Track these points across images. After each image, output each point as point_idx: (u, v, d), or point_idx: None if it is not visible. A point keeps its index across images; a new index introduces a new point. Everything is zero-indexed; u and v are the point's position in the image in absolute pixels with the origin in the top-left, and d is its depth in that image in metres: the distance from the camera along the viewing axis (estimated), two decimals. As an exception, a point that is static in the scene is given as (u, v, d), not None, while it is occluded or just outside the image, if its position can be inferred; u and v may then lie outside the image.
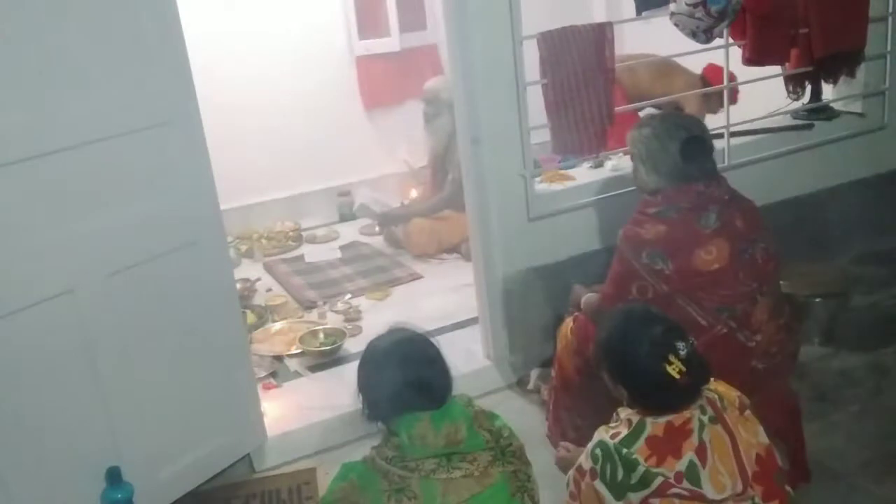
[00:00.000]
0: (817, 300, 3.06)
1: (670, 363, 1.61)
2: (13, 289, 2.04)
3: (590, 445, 1.69)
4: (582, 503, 1.69)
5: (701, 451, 1.60)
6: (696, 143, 2.24)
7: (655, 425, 1.63)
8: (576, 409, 2.45)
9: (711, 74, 3.65)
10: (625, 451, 1.61)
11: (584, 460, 1.69)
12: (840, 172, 3.56)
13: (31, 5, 2.00)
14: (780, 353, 2.21)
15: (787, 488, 1.69)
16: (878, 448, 2.49)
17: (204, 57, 3.09)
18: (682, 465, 1.59)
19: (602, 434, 1.68)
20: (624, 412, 1.70)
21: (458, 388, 1.69)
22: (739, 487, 1.60)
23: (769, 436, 1.72)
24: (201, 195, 2.42)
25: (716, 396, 1.68)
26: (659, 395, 1.65)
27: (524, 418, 2.73)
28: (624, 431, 1.65)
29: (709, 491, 1.58)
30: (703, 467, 1.59)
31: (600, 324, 1.88)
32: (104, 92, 2.16)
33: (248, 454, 2.71)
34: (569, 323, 2.49)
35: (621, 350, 1.72)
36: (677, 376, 1.61)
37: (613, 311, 1.91)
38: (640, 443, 1.61)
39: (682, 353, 1.62)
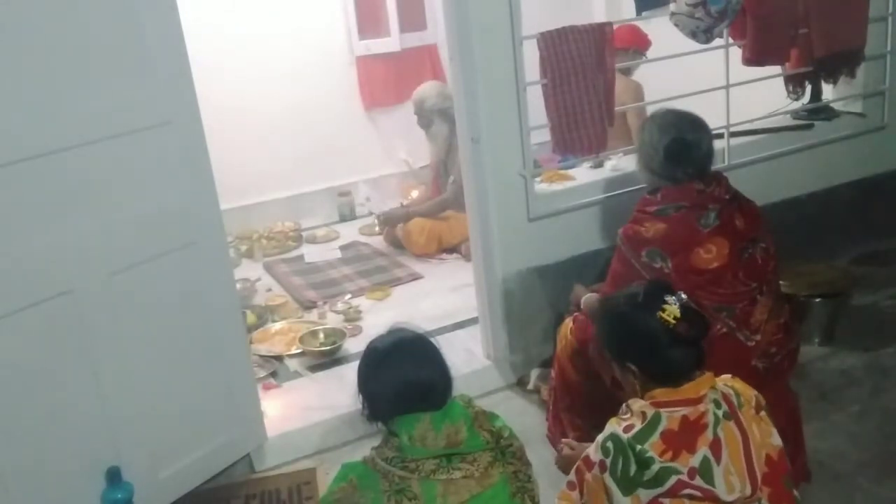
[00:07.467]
0: (817, 300, 3.06)
1: (664, 311, 1.63)
2: (13, 289, 2.05)
3: (600, 437, 1.65)
4: (585, 494, 1.67)
5: (715, 446, 1.58)
6: (682, 145, 2.24)
7: (671, 419, 1.60)
8: (576, 409, 2.46)
9: (621, 36, 3.45)
10: (639, 447, 1.58)
11: (594, 452, 1.65)
12: (840, 172, 3.56)
13: (31, 6, 2.00)
14: (779, 353, 2.22)
15: (795, 493, 1.68)
16: (878, 448, 2.49)
17: (204, 57, 3.09)
18: (696, 461, 1.57)
19: (614, 426, 1.64)
20: (637, 404, 1.66)
21: (458, 388, 1.69)
22: (748, 490, 1.57)
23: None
24: (201, 195, 2.42)
25: (732, 392, 1.66)
26: (665, 354, 1.64)
27: (524, 418, 2.73)
28: (638, 424, 1.61)
29: (721, 490, 1.56)
30: (718, 464, 1.57)
31: (595, 319, 1.88)
32: (104, 92, 2.16)
33: (248, 454, 2.71)
34: (569, 323, 2.49)
35: (618, 323, 1.74)
36: (672, 322, 1.62)
37: (603, 304, 1.92)
38: (655, 437, 1.59)
39: (673, 304, 1.64)
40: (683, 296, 1.68)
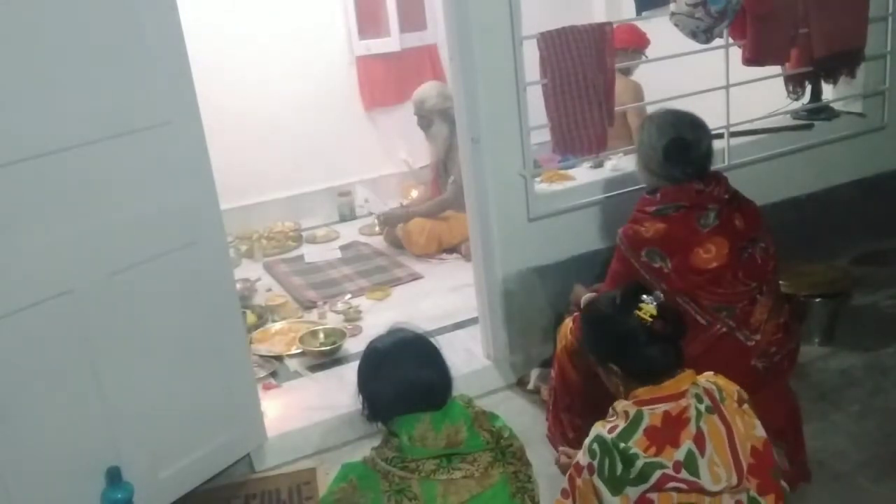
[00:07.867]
0: (817, 300, 3.06)
1: (640, 309, 1.67)
2: (13, 289, 2.05)
3: (587, 441, 1.68)
4: (578, 499, 1.68)
5: (699, 439, 1.60)
6: (681, 145, 2.24)
7: (654, 415, 1.63)
8: (575, 409, 2.45)
9: (620, 36, 3.34)
10: (622, 445, 1.60)
11: (582, 456, 1.67)
12: (840, 172, 3.56)
13: (31, 6, 2.00)
14: (779, 353, 2.22)
15: (783, 484, 1.69)
16: (878, 448, 2.49)
17: (204, 57, 3.09)
18: (680, 454, 1.59)
19: (599, 429, 1.67)
20: (620, 405, 1.69)
21: (458, 388, 1.69)
22: (734, 480, 1.59)
23: (768, 435, 1.71)
24: (201, 195, 2.42)
25: (714, 387, 1.69)
26: (643, 352, 1.68)
27: (524, 418, 2.73)
28: (622, 424, 1.64)
29: (706, 481, 1.58)
30: (702, 456, 1.59)
31: (583, 322, 1.91)
32: (104, 92, 2.16)
33: (248, 454, 2.71)
34: (569, 323, 2.49)
35: (597, 325, 1.79)
36: (649, 319, 1.65)
37: (585, 309, 1.98)
38: (639, 434, 1.61)
39: (650, 303, 1.68)
40: (661, 295, 1.73)
